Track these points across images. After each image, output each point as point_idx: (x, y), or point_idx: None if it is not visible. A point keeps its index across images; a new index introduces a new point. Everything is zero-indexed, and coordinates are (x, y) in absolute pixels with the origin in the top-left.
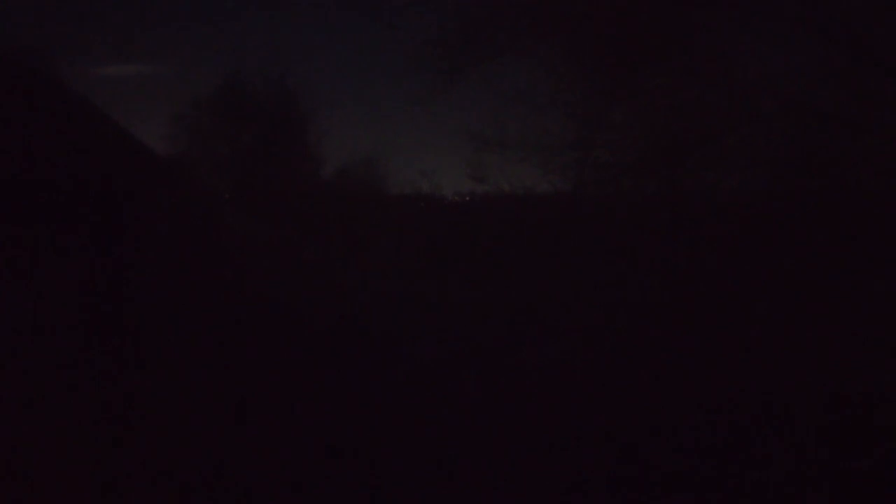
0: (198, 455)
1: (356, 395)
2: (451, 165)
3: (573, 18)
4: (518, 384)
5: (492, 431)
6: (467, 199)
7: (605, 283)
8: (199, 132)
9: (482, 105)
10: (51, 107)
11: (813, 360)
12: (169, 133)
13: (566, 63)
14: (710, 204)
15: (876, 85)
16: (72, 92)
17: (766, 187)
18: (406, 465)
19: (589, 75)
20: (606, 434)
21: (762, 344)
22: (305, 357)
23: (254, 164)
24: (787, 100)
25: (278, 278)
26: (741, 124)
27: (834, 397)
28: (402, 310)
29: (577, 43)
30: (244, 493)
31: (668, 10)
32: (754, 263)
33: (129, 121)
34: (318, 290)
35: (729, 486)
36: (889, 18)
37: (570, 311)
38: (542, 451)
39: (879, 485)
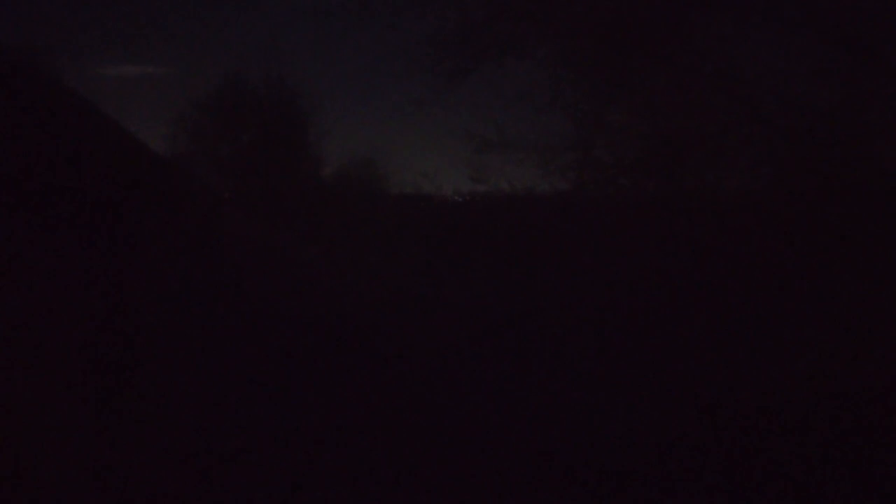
0: (197, 456)
1: (355, 396)
2: (452, 165)
3: (573, 19)
4: (517, 384)
5: (491, 431)
6: (467, 198)
7: (605, 283)
8: (199, 132)
9: (482, 105)
10: (51, 107)
11: (813, 359)
12: (169, 133)
13: (566, 64)
14: (710, 204)
15: (876, 85)
16: (72, 92)
17: (766, 187)
18: (405, 464)
19: (589, 75)
20: (606, 433)
21: (762, 343)
22: (305, 357)
23: (254, 164)
24: (787, 100)
25: (278, 278)
26: (741, 124)
27: (834, 397)
28: (401, 310)
29: (578, 43)
30: (243, 494)
31: (668, 10)
32: (754, 263)
33: (129, 121)
34: (318, 290)
35: (729, 485)
36: (889, 18)
37: (570, 311)
38: (542, 451)
39: (880, 484)
